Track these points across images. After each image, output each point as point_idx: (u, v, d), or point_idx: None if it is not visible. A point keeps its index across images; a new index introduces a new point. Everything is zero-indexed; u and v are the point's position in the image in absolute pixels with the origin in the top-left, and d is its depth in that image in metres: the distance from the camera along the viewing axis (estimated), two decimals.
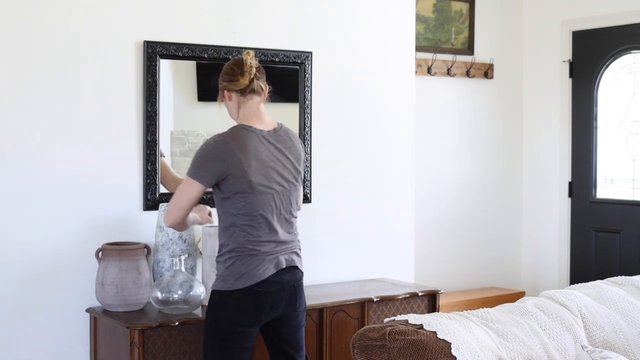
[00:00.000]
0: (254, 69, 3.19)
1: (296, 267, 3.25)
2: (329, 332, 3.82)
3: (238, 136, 3.12)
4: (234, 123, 3.25)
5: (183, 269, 3.53)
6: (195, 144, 3.95)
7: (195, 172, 3.10)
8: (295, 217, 3.28)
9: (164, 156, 3.88)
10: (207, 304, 3.24)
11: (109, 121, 3.71)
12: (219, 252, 3.19)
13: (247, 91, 3.19)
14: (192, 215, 3.33)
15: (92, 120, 3.67)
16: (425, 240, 5.57)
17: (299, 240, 3.30)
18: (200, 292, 3.52)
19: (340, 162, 4.44)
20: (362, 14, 4.49)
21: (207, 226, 3.69)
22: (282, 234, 3.19)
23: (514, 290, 5.93)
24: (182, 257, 3.53)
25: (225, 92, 3.22)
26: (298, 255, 3.27)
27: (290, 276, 3.21)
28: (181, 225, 3.23)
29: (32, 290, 3.55)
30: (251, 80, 3.18)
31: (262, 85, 3.23)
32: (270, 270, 3.13)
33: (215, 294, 3.15)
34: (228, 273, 3.11)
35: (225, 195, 3.11)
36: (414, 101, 4.72)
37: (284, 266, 3.18)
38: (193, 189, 3.11)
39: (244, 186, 3.08)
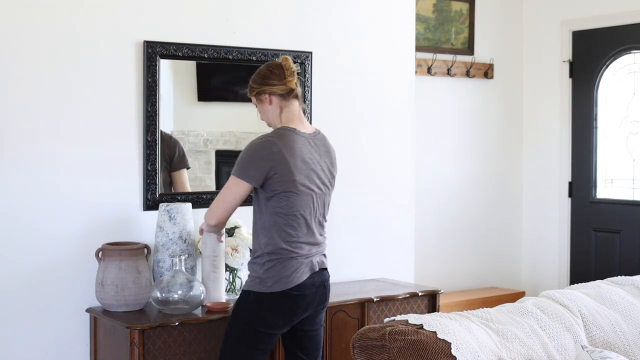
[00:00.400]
0: (296, 73, 3.26)
1: (325, 269, 3.32)
2: (329, 332, 3.82)
3: (285, 136, 3.17)
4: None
5: (183, 269, 3.53)
6: (195, 143, 3.96)
7: (243, 171, 3.13)
8: (326, 221, 3.34)
9: (189, 168, 3.93)
10: (236, 302, 3.25)
11: (109, 121, 3.71)
12: (255, 253, 3.21)
13: (290, 95, 3.25)
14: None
15: (92, 120, 3.67)
16: (425, 240, 5.57)
17: (326, 244, 3.37)
18: (200, 292, 3.52)
19: (340, 162, 4.42)
20: (362, 14, 4.49)
21: None
22: (317, 236, 3.26)
23: (514, 290, 5.93)
24: (182, 257, 3.53)
25: (267, 95, 3.23)
26: (325, 256, 3.34)
27: (320, 277, 3.28)
28: (223, 226, 3.32)
29: (32, 290, 3.55)
30: (296, 84, 3.25)
31: (301, 90, 3.35)
32: (305, 274, 3.19)
33: (249, 294, 3.18)
34: (267, 276, 3.14)
35: (269, 194, 3.14)
36: (414, 101, 4.72)
37: (317, 269, 3.25)
38: (241, 188, 3.15)
39: (288, 185, 3.12)
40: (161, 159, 3.83)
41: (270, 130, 3.30)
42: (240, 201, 3.19)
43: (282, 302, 3.15)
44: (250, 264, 3.24)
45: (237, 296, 3.82)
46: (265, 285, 3.14)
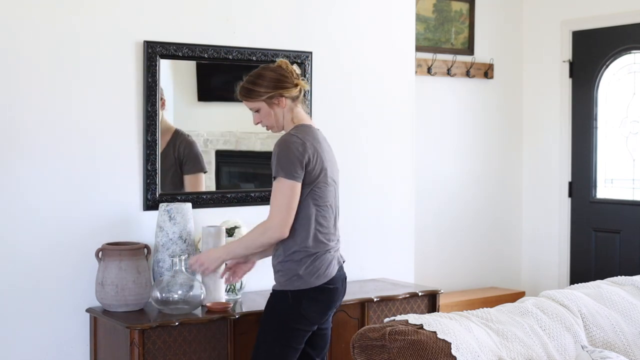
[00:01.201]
0: (300, 76, 3.33)
1: (344, 262, 3.39)
2: None
3: (308, 131, 3.24)
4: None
5: (183, 269, 3.53)
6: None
7: (289, 172, 3.12)
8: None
9: (206, 172, 3.93)
10: (270, 303, 3.24)
11: (109, 121, 3.71)
12: (287, 251, 3.19)
13: (300, 97, 3.31)
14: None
15: (92, 120, 3.67)
16: (425, 240, 5.57)
17: None
18: (200, 292, 3.52)
19: (340, 162, 4.42)
20: (362, 14, 4.49)
21: (207, 226, 3.69)
22: (338, 231, 3.33)
23: (514, 290, 5.93)
24: (182, 257, 3.53)
25: (282, 99, 3.26)
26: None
27: (343, 271, 3.35)
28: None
29: (32, 290, 3.55)
30: (303, 86, 3.33)
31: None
32: (336, 267, 3.26)
33: (285, 294, 3.19)
34: (306, 272, 3.16)
35: (307, 188, 3.18)
36: (414, 101, 4.72)
37: (342, 262, 3.34)
38: (296, 189, 3.14)
39: (321, 175, 3.20)
40: (169, 158, 3.83)
41: (268, 132, 3.35)
42: (297, 204, 3.16)
43: (321, 297, 3.20)
44: (282, 262, 3.21)
45: (238, 297, 3.83)
46: (305, 282, 3.16)
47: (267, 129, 3.37)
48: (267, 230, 3.16)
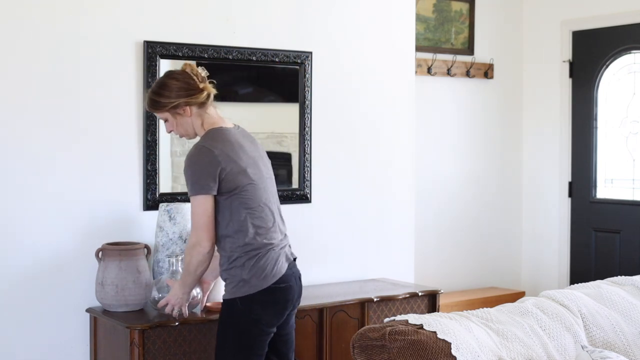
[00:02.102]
0: (206, 79, 3.17)
1: (295, 259, 3.26)
2: (329, 332, 3.82)
3: (217, 135, 3.10)
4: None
5: (180, 269, 3.52)
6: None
7: (200, 186, 3.02)
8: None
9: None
10: (222, 315, 3.13)
11: (109, 121, 3.71)
12: (231, 258, 3.08)
13: (208, 102, 3.15)
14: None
15: (92, 120, 3.67)
16: (425, 240, 5.57)
17: None
18: (197, 292, 3.51)
19: (340, 162, 4.44)
20: (362, 14, 4.49)
21: None
22: (282, 226, 3.21)
23: (514, 290, 5.93)
24: (180, 257, 3.52)
25: (187, 108, 3.11)
26: (291, 247, 3.28)
27: (295, 268, 3.23)
28: (214, 248, 3.11)
29: (32, 290, 3.55)
30: (212, 88, 3.18)
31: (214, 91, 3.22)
32: (285, 264, 3.13)
33: (234, 302, 3.07)
34: (251, 275, 3.05)
35: (229, 195, 3.06)
36: (414, 101, 4.72)
37: (291, 259, 3.21)
38: (208, 203, 3.03)
39: (242, 177, 3.06)
40: None
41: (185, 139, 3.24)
42: (213, 215, 3.06)
43: (272, 298, 3.07)
44: (226, 270, 3.10)
45: None
46: (252, 286, 3.05)
47: (181, 137, 3.26)
48: (193, 249, 3.06)
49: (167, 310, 3.24)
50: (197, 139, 3.18)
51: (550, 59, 6.03)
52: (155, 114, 3.24)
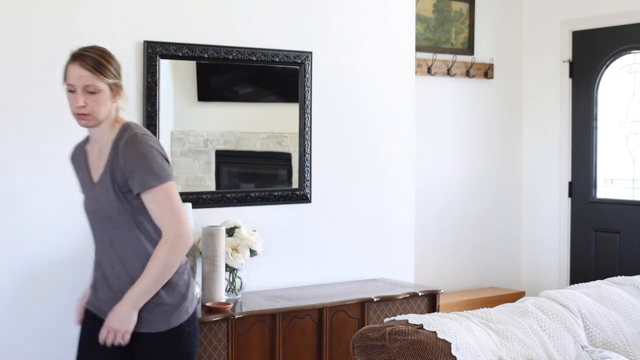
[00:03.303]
0: None
1: None
2: (329, 332, 3.82)
3: (140, 126, 2.83)
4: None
5: None
6: (194, 143, 3.96)
7: (166, 173, 2.67)
8: None
9: None
10: (166, 347, 2.71)
11: None
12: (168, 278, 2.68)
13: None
14: None
15: None
16: (425, 240, 5.57)
17: None
18: (197, 292, 3.52)
19: (340, 162, 4.44)
20: (362, 14, 4.49)
21: (207, 226, 3.69)
22: None
23: (514, 290, 5.93)
24: None
25: (121, 91, 2.78)
26: None
27: None
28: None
29: (32, 290, 3.55)
30: None
31: None
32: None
33: (181, 328, 2.72)
34: (189, 289, 2.75)
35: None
36: (414, 101, 4.72)
37: None
38: (176, 190, 2.71)
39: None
40: None
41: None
42: None
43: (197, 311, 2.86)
44: (161, 292, 2.66)
45: (238, 297, 3.82)
46: (191, 303, 2.76)
47: (81, 117, 2.71)
48: (176, 242, 2.63)
49: (108, 339, 2.68)
50: (100, 129, 2.76)
51: (550, 59, 6.03)
52: (85, 80, 2.69)
